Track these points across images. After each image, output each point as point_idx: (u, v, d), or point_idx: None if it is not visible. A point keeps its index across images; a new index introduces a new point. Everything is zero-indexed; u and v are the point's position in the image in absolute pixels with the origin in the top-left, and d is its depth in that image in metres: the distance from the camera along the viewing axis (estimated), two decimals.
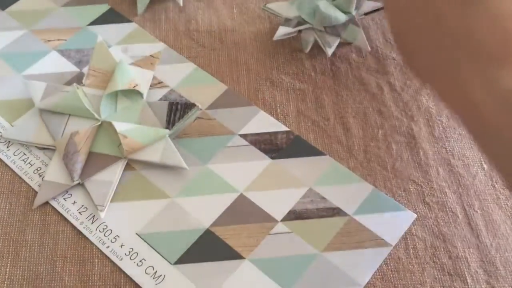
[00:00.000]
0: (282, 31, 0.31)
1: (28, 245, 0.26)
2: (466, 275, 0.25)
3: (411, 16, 0.20)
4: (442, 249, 0.25)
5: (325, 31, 0.30)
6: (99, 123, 0.28)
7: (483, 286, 0.24)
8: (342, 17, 0.30)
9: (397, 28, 0.22)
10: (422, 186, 0.27)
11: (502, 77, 0.18)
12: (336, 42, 0.30)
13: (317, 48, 0.32)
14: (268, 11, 0.32)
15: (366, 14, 0.31)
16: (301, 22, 0.31)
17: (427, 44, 0.20)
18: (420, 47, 0.20)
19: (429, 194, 0.27)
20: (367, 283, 0.25)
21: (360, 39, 0.31)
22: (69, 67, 0.31)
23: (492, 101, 0.18)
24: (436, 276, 0.25)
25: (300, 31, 0.31)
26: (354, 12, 0.31)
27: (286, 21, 0.31)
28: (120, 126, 0.27)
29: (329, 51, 0.30)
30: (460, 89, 0.19)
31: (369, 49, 0.31)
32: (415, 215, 0.26)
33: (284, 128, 0.29)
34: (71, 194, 0.27)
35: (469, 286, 0.24)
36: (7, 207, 0.27)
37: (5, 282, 0.25)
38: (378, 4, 0.31)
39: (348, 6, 0.30)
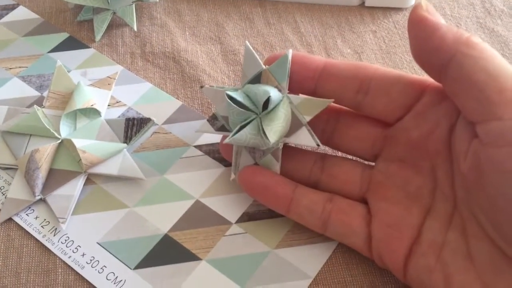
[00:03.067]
0: (205, 128, 0.28)
1: None
2: None
3: None
4: None
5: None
6: (59, 141, 0.29)
7: None
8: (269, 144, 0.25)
9: None
10: None
11: None
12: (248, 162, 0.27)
13: None
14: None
15: None
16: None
17: None
18: None
19: None
20: (317, 275, 0.26)
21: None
22: (31, 92, 0.33)
23: None
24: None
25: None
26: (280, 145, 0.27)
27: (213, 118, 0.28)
28: (79, 142, 0.28)
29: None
30: None
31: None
32: None
33: None
34: (34, 210, 0.28)
35: None
36: None
37: None
38: None
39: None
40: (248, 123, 0.26)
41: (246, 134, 0.25)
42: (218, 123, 0.28)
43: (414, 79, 0.25)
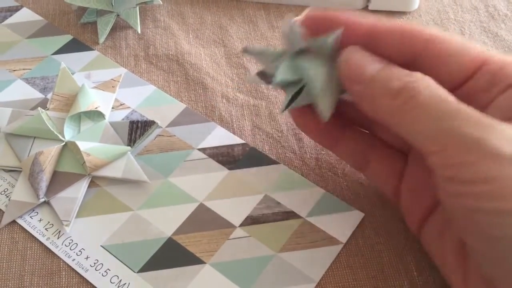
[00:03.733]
0: (255, 79, 0.26)
1: None
2: (414, 269, 0.27)
3: None
4: (388, 245, 0.27)
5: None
6: (63, 143, 0.29)
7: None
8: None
9: None
10: (370, 187, 0.29)
11: None
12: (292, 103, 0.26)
13: None
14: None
15: None
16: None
17: None
18: None
19: (376, 194, 0.29)
20: (321, 279, 0.26)
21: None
22: (35, 94, 0.33)
23: None
24: (384, 270, 0.26)
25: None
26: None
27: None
28: (83, 145, 0.28)
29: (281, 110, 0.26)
30: None
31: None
32: (363, 214, 0.28)
33: (240, 141, 0.31)
34: (37, 212, 0.28)
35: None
36: None
37: None
38: None
39: None
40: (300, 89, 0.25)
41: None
42: (268, 79, 0.26)
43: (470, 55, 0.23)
